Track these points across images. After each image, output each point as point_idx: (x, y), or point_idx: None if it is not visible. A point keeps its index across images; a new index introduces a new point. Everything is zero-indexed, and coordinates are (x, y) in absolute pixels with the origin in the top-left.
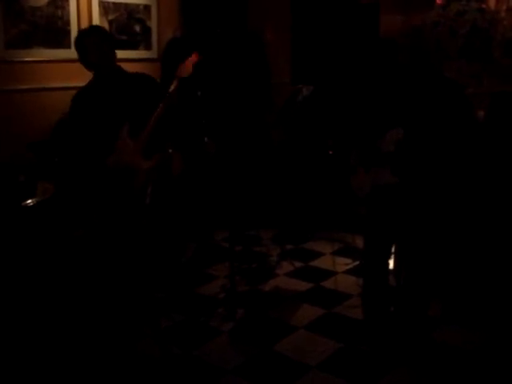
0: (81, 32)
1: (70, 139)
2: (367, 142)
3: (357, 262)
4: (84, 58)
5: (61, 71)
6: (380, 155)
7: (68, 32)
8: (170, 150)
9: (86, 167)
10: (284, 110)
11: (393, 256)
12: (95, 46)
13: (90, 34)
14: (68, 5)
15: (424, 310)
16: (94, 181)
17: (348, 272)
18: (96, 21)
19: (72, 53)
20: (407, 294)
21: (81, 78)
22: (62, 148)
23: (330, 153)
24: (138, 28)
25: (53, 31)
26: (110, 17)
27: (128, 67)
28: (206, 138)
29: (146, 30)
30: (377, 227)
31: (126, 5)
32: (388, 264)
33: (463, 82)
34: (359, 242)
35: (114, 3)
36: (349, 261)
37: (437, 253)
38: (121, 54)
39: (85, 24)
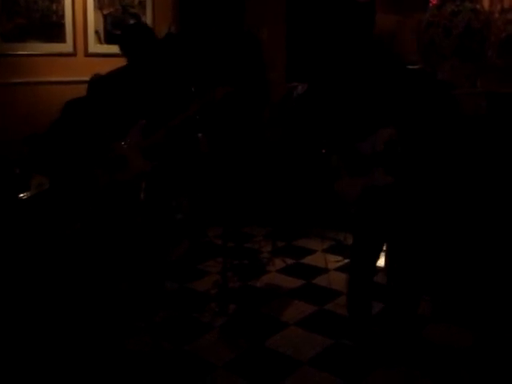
0: (126, 27)
1: (84, 119)
2: (348, 144)
3: (348, 260)
4: (123, 50)
5: (55, 65)
6: (364, 157)
7: (63, 26)
8: None
9: (92, 147)
10: (279, 108)
11: (384, 255)
12: (133, 43)
13: (131, 31)
14: None
15: (414, 307)
16: (92, 163)
17: (339, 269)
18: (91, 15)
19: (67, 47)
20: (398, 292)
21: (75, 71)
22: (67, 133)
23: (323, 151)
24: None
25: (48, 25)
26: (105, 11)
27: (122, 62)
28: (199, 134)
29: None
30: (368, 227)
31: None
32: (375, 263)
33: (457, 82)
34: (351, 240)
35: None
36: (340, 258)
37: (430, 250)
38: (115, 48)
39: (80, 18)
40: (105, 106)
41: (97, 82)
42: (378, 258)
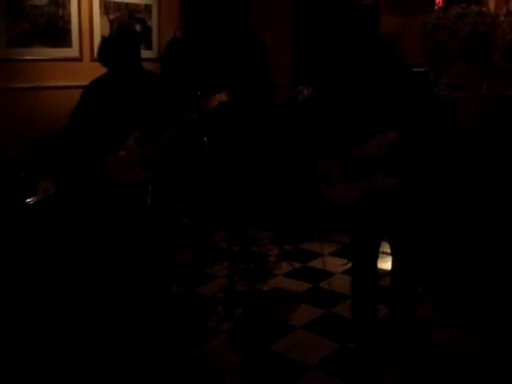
0: (109, 37)
1: (77, 130)
2: (348, 149)
3: None
4: (104, 59)
5: (61, 70)
6: (363, 161)
7: (69, 31)
8: None
9: (87, 159)
10: (285, 111)
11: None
12: (119, 52)
13: (117, 40)
14: (69, 4)
15: (413, 308)
16: (91, 175)
17: (346, 272)
18: (97, 20)
19: (73, 51)
20: (397, 292)
21: (81, 76)
22: (69, 141)
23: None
24: (138, 27)
25: (54, 30)
26: (111, 16)
27: None
28: (205, 139)
29: (147, 30)
30: (366, 229)
31: (127, 4)
32: (376, 264)
33: (463, 84)
34: None
35: (114, 2)
36: (346, 261)
37: (434, 252)
38: None
39: (86, 23)
40: (93, 115)
41: (86, 89)
42: (377, 257)
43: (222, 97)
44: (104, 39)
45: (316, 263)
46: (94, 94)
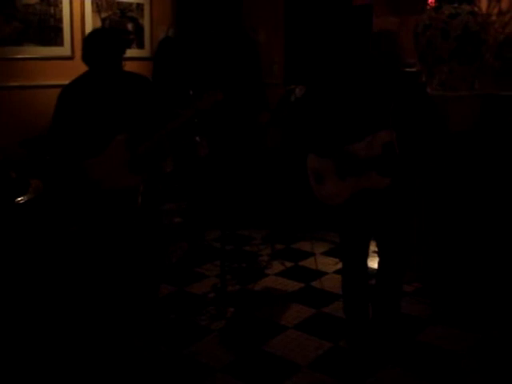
0: (93, 32)
1: (57, 135)
2: (342, 147)
3: None
4: (87, 57)
5: (53, 69)
6: (356, 160)
7: (60, 30)
8: None
9: (66, 165)
10: (277, 111)
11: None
12: (102, 49)
13: (101, 36)
14: (61, 3)
15: (396, 307)
16: (72, 179)
17: (338, 272)
18: (89, 19)
19: (64, 50)
20: (381, 291)
21: (73, 75)
22: (52, 144)
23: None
24: (130, 26)
25: (45, 29)
26: (103, 15)
27: None
28: (197, 138)
29: (139, 29)
30: (356, 227)
31: (119, 3)
32: (366, 262)
33: (454, 84)
34: None
35: (106, 1)
36: (338, 261)
37: (428, 251)
38: None
39: (77, 22)
40: (75, 117)
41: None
42: (367, 257)
43: (216, 95)
44: (84, 39)
45: (308, 263)
46: (75, 95)
